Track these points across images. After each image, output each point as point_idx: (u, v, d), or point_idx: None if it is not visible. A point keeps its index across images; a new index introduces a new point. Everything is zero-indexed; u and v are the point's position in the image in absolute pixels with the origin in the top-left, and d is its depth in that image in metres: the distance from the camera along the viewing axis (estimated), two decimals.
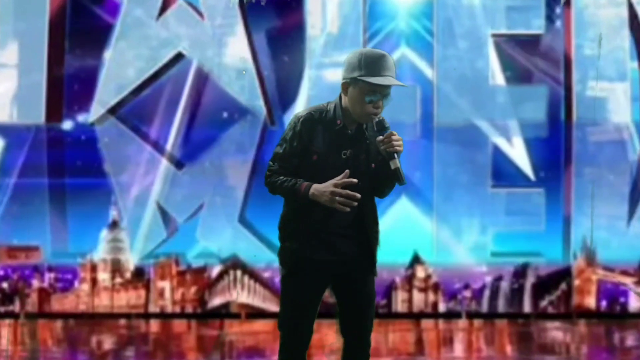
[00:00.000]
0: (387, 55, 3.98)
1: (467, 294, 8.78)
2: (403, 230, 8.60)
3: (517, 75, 8.82)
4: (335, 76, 8.22)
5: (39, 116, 8.83)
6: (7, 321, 8.58)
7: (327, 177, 3.89)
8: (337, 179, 3.85)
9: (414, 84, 8.75)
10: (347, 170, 3.87)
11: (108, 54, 8.84)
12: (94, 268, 8.85)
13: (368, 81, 3.91)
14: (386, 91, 3.92)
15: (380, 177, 4.02)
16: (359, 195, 3.86)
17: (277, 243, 4.06)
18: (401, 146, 3.91)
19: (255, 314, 8.79)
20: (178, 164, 8.87)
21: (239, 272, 8.81)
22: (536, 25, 8.78)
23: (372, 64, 3.93)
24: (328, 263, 3.98)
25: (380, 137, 3.91)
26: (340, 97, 4.04)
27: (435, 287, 8.79)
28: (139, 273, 8.89)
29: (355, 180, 3.86)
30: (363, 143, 4.00)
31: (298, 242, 3.96)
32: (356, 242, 3.99)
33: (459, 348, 7.93)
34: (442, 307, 8.81)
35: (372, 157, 4.00)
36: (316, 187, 3.89)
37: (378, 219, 4.09)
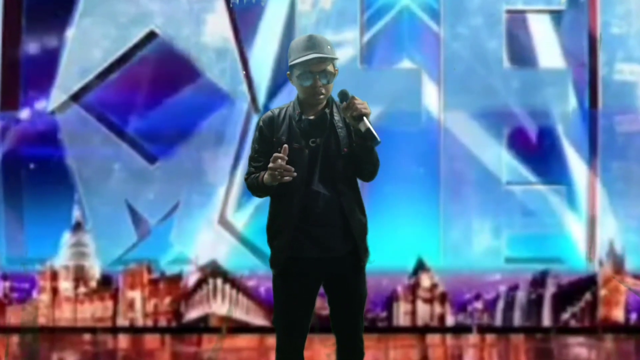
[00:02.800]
0: (313, 36, 4.47)
1: (479, 305, 8.72)
2: (405, 233, 8.55)
3: (535, 57, 8.72)
4: None
5: None
6: None
7: (296, 167, 4.33)
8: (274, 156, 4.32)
9: (418, 68, 8.66)
10: (285, 145, 4.33)
11: (70, 33, 8.74)
12: (54, 276, 8.79)
13: (292, 64, 4.45)
14: (317, 69, 4.38)
15: (356, 161, 4.47)
16: (292, 169, 4.28)
17: (262, 247, 4.41)
18: (367, 108, 4.33)
19: (238, 328, 8.71)
20: (150, 157, 8.77)
21: (219, 281, 8.73)
22: (557, 0, 8.71)
23: (296, 48, 4.45)
24: (317, 261, 4.43)
25: (344, 104, 4.34)
26: None
27: (442, 298, 8.73)
28: (106, 281, 8.81)
29: (285, 156, 4.28)
30: (330, 129, 4.47)
31: (284, 241, 4.42)
32: (341, 233, 4.44)
33: None
34: (450, 320, 8.74)
35: (342, 142, 4.45)
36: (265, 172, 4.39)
37: (363, 208, 4.54)
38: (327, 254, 4.43)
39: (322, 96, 4.43)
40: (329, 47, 4.45)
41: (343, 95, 4.37)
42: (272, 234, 4.50)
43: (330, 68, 4.44)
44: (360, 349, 4.57)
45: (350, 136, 4.46)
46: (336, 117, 4.49)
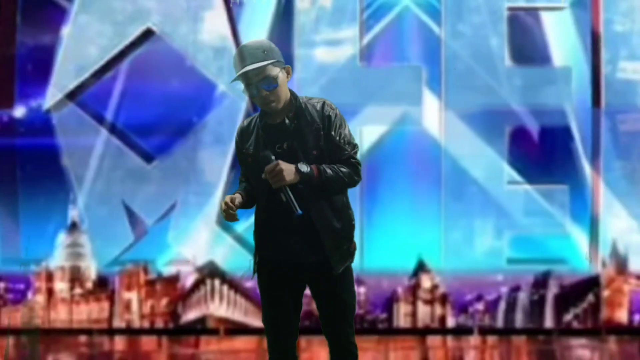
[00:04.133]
0: (243, 47, 4.36)
1: (480, 306, 8.66)
2: (406, 233, 8.50)
3: (538, 55, 8.67)
4: (328, 56, 8.20)
5: None
6: None
7: (261, 176, 4.29)
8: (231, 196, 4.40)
9: (419, 65, 8.61)
10: (236, 198, 4.40)
11: (66, 31, 8.71)
12: (50, 277, 8.74)
13: (232, 82, 4.44)
14: (256, 79, 4.28)
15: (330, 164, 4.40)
16: (233, 210, 4.35)
17: None
18: (283, 179, 4.21)
19: (236, 329, 8.67)
20: (147, 156, 8.73)
21: (217, 282, 8.69)
22: None
23: (234, 62, 4.37)
24: (289, 265, 4.44)
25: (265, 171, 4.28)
26: None
27: (443, 299, 8.68)
28: (102, 283, 8.76)
29: (234, 207, 4.35)
30: (295, 133, 4.36)
31: (257, 242, 4.50)
32: (309, 241, 4.38)
33: None
34: (450, 322, 8.69)
35: (310, 145, 4.35)
36: None
37: (343, 212, 4.43)
38: (296, 259, 4.42)
39: (273, 103, 4.33)
40: (264, 52, 4.30)
41: (264, 158, 4.29)
42: (254, 236, 4.54)
43: (270, 72, 4.30)
44: (351, 352, 4.53)
45: (318, 138, 4.36)
46: (300, 122, 4.38)
